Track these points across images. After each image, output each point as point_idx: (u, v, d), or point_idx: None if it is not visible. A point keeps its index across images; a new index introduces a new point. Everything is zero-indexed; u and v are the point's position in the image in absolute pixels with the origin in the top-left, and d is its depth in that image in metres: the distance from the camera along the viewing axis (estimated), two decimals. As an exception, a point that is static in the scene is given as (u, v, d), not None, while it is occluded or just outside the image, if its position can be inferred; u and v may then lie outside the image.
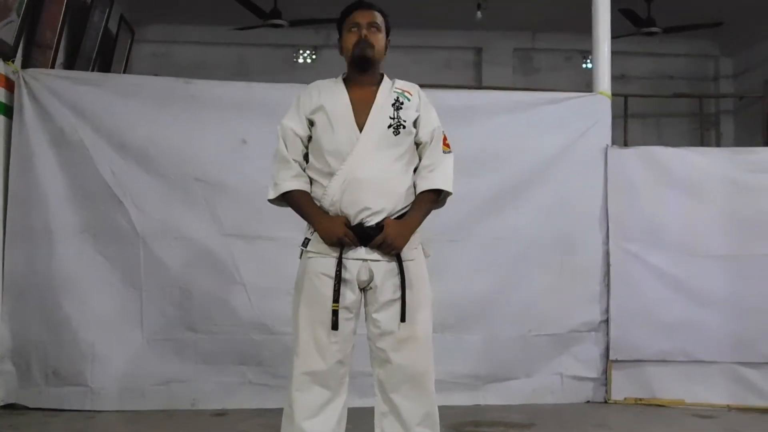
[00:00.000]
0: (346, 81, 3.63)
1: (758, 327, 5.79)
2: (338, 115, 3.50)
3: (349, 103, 3.52)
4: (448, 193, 3.60)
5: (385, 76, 3.65)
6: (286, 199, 3.56)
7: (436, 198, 3.59)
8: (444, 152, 3.60)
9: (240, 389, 5.53)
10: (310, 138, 3.56)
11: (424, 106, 3.62)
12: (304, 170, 3.56)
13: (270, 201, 3.62)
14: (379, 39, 3.59)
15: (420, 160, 3.58)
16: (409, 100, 3.57)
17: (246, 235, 5.52)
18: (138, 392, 5.44)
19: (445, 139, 3.63)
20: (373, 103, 3.52)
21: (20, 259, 5.39)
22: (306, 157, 3.58)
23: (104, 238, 5.47)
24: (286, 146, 3.56)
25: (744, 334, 5.80)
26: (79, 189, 5.46)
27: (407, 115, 3.53)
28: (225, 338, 5.50)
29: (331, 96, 3.56)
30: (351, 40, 3.56)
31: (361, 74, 3.60)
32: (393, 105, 3.53)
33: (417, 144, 3.58)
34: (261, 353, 5.51)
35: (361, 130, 3.47)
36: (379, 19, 3.61)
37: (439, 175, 3.56)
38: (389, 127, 3.49)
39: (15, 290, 5.38)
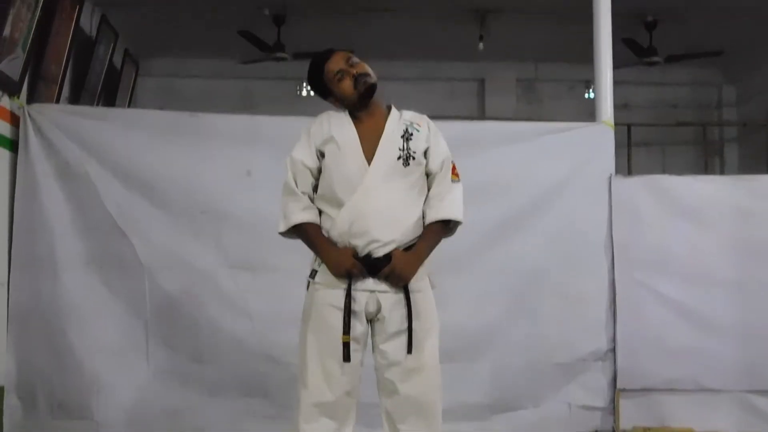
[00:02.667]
0: (353, 113, 3.64)
1: (767, 354, 5.76)
2: (347, 147, 3.51)
3: (356, 135, 3.53)
4: (457, 222, 3.61)
5: (393, 108, 3.67)
6: (296, 231, 3.57)
7: (445, 228, 3.59)
8: (453, 181, 3.60)
9: (246, 420, 5.48)
10: (319, 170, 3.57)
11: (434, 137, 3.62)
12: (312, 201, 3.58)
13: (280, 233, 3.63)
14: (365, 65, 3.61)
15: (429, 189, 3.59)
16: (418, 131, 3.58)
17: (251, 265, 5.52)
18: (144, 424, 5.41)
19: (454, 168, 3.63)
20: (381, 134, 3.54)
21: (25, 291, 5.39)
22: (316, 188, 3.59)
23: (109, 270, 5.48)
24: (295, 179, 3.56)
25: (753, 362, 5.77)
26: (84, 221, 5.47)
27: (417, 146, 3.54)
28: (231, 369, 5.48)
29: (340, 127, 3.56)
30: (346, 85, 3.57)
31: (368, 106, 3.61)
32: (402, 136, 3.54)
33: (427, 174, 3.59)
34: (267, 384, 5.48)
35: (369, 161, 3.49)
36: (350, 54, 3.65)
37: (449, 204, 3.56)
38: (398, 158, 3.49)
39: (20, 322, 5.37)
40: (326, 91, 3.67)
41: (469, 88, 11.50)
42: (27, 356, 5.37)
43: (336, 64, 3.60)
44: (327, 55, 3.65)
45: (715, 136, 11.49)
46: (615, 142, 6.08)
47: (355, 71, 3.57)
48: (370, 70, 3.61)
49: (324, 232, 3.52)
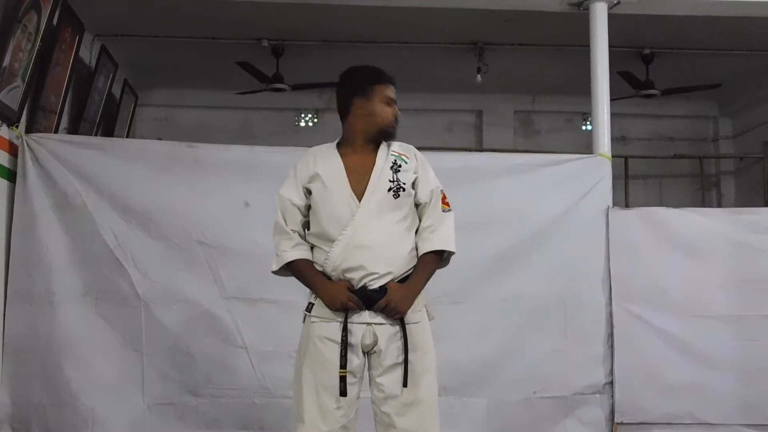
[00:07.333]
0: (341, 146, 3.67)
1: (765, 388, 5.74)
2: (334, 183, 3.53)
3: (344, 170, 3.55)
4: (451, 253, 3.61)
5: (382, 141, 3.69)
6: (289, 268, 3.58)
7: (438, 259, 3.60)
8: (444, 211, 3.62)
9: (241, 453, 5.46)
10: (308, 207, 3.59)
11: (422, 167, 3.65)
12: (304, 238, 3.58)
13: (274, 272, 3.64)
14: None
15: (420, 221, 3.60)
16: (406, 162, 3.60)
17: (248, 297, 5.50)
18: (138, 458, 5.37)
19: (444, 197, 3.65)
20: (370, 168, 3.56)
21: (21, 323, 5.36)
22: (307, 225, 3.60)
23: (106, 302, 5.45)
24: (284, 217, 3.60)
25: (751, 396, 5.75)
26: (81, 252, 5.46)
27: (406, 177, 3.56)
28: (227, 402, 5.45)
29: (327, 163, 3.59)
30: (387, 112, 3.64)
31: (369, 142, 3.63)
32: (391, 168, 3.55)
33: (416, 205, 3.60)
34: (263, 417, 5.45)
35: (357, 195, 3.50)
36: None
37: (441, 235, 3.57)
38: (389, 190, 3.51)
39: (15, 354, 5.34)
40: (350, 103, 3.65)
41: (467, 119, 11.52)
42: (22, 388, 5.33)
43: (391, 92, 3.68)
44: (384, 77, 3.69)
45: (712, 169, 11.49)
46: (612, 174, 6.08)
47: (399, 114, 3.69)
48: None
49: (318, 267, 3.53)
